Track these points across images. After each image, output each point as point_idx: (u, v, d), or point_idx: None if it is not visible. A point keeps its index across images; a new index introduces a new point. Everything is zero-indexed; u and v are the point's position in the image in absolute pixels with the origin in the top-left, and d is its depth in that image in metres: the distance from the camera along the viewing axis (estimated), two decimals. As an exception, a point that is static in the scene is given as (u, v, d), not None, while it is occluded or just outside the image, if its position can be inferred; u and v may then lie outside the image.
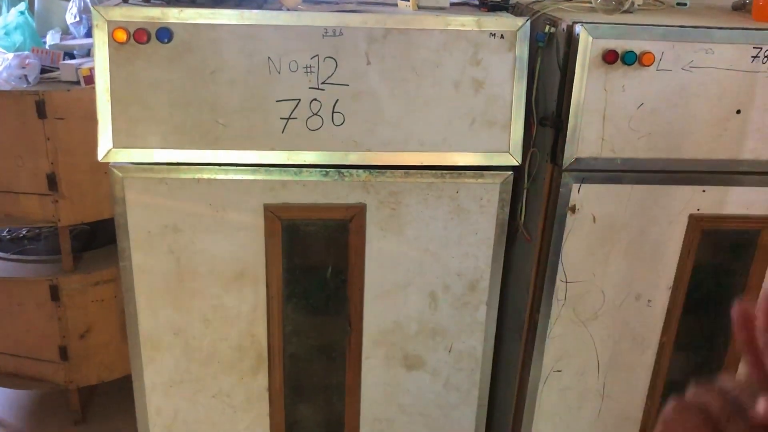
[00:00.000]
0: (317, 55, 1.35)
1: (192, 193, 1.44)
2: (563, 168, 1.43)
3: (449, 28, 1.36)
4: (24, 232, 2.37)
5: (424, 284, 1.55)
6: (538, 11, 1.51)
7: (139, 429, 1.64)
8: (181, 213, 1.45)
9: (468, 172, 1.45)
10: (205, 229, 1.47)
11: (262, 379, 1.62)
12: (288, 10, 1.37)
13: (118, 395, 2.38)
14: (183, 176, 1.42)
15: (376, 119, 1.40)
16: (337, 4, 1.48)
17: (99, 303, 2.18)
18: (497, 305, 1.58)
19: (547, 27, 1.44)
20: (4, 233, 2.35)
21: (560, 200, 1.46)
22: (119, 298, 2.12)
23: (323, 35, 1.35)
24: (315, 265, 1.56)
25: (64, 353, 2.18)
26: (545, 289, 1.53)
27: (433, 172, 1.45)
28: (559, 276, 1.52)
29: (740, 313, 0.41)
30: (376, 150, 1.42)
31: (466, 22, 1.36)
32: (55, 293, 2.11)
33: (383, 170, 1.45)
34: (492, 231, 1.50)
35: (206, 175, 1.42)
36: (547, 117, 1.45)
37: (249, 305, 1.55)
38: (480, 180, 1.46)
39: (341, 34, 1.35)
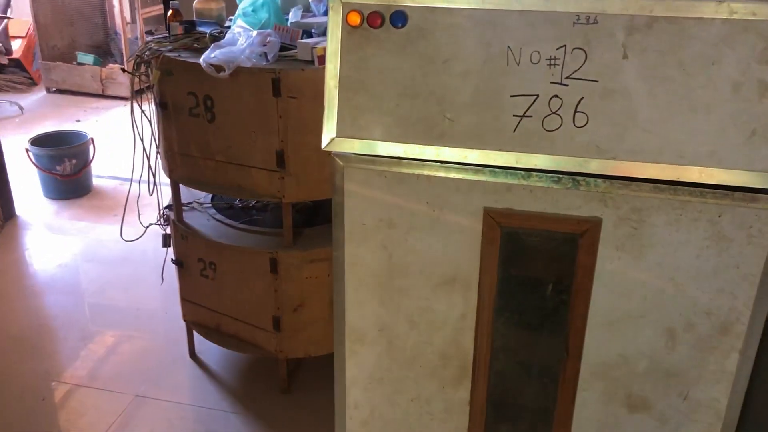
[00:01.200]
0: (564, 45, 1.18)
1: (410, 189, 1.35)
2: None
3: (734, 17, 1.11)
4: (253, 202, 2.48)
5: (662, 319, 1.32)
6: None
7: (337, 419, 1.62)
8: (398, 208, 1.37)
9: (737, 194, 1.19)
10: (420, 227, 1.38)
11: (464, 392, 1.51)
12: (535, -7, 1.20)
13: (322, 371, 2.43)
14: (403, 171, 1.33)
15: (627, 123, 1.19)
16: (593, -14, 1.28)
17: (313, 280, 2.22)
18: (754, 355, 1.30)
19: None
20: (236, 202, 2.48)
21: None
22: (331, 278, 2.14)
23: (574, 23, 1.17)
24: (534, 279, 1.40)
25: (277, 324, 2.26)
26: (823, 346, 1.23)
27: (691, 189, 1.21)
28: None
29: None
30: (622, 158, 1.22)
31: (757, 10, 1.09)
32: (274, 266, 2.18)
33: (628, 182, 1.24)
34: (759, 267, 1.23)
35: (426, 171, 1.32)
36: None
37: (457, 312, 1.44)
38: (752, 204, 1.19)
39: (596, 21, 1.15)
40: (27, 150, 3.93)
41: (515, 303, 1.41)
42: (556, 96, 1.21)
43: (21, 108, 5.52)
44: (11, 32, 6.12)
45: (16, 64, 6.13)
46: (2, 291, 3.11)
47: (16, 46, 6.13)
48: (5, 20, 6.06)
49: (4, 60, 6.09)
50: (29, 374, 2.55)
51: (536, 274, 1.39)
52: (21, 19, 6.11)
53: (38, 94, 5.96)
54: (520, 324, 1.44)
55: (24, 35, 6.11)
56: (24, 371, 2.57)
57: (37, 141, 3.98)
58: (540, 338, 1.44)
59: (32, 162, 3.93)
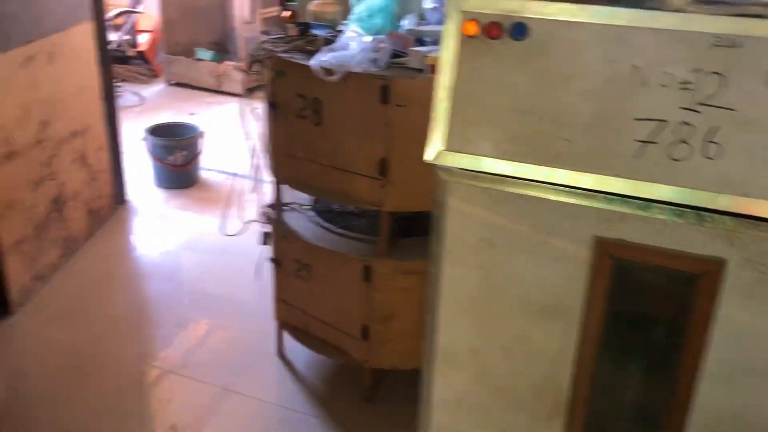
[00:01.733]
0: (700, 68, 1.08)
1: (515, 210, 1.28)
2: None
3: None
4: (352, 208, 2.47)
5: (790, 377, 1.18)
6: None
7: (419, 440, 1.57)
8: (500, 229, 1.31)
9: None
10: (523, 251, 1.31)
11: (557, 430, 1.42)
12: (671, 11, 1.11)
13: (407, 384, 2.38)
14: (508, 190, 1.26)
15: (766, 158, 1.08)
16: (739, 6, 1.17)
17: (405, 291, 2.18)
18: None
19: None
20: (336, 206, 2.48)
21: None
22: (424, 292, 2.09)
23: (713, 44, 1.06)
24: (645, 317, 1.30)
25: (365, 332, 2.23)
26: None
27: (836, 236, 1.08)
28: None
29: None
30: (755, 196, 1.10)
31: None
32: (367, 274, 2.15)
33: (759, 222, 1.12)
34: None
35: (534, 192, 1.25)
36: None
37: (556, 345, 1.35)
38: None
39: (740, 45, 1.05)
40: (143, 139, 4.11)
41: (622, 341, 1.31)
42: (686, 123, 1.11)
43: (142, 98, 5.81)
44: (140, 26, 6.47)
45: (141, 56, 6.46)
46: (108, 273, 3.26)
47: (143, 39, 6.46)
48: (134, 15, 6.41)
49: (132, 52, 6.43)
50: (125, 356, 2.65)
51: (648, 313, 1.29)
52: (150, 14, 6.44)
53: (158, 86, 6.25)
54: (625, 364, 1.33)
55: (151, 30, 6.43)
56: (120, 352, 2.67)
57: (152, 131, 4.16)
58: (645, 382, 1.33)
59: (147, 150, 4.11)
